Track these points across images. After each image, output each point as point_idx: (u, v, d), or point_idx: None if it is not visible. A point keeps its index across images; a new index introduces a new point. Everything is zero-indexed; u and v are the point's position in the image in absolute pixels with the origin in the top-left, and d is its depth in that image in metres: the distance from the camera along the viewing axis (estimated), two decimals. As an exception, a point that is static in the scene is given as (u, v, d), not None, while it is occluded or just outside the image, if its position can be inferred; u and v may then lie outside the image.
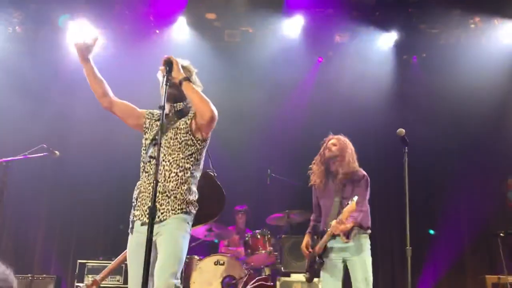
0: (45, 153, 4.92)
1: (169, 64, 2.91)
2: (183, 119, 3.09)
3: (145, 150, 3.06)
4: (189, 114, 3.11)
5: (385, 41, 7.58)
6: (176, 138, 3.02)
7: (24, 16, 7.18)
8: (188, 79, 2.95)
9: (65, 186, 7.50)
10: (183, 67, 3.10)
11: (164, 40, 7.42)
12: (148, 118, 3.20)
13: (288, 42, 7.47)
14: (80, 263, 6.36)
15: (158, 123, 3.10)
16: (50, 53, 7.37)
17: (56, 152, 4.98)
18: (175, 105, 3.12)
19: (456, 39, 7.51)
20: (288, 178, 6.67)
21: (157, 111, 3.20)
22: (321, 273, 4.16)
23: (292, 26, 7.42)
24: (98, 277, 4.50)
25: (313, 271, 4.22)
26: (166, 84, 2.84)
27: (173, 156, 2.98)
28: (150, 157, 2.92)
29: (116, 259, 4.41)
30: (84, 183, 7.47)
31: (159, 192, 2.91)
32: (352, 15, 7.23)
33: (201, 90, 3.15)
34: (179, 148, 3.00)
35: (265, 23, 7.39)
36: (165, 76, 2.88)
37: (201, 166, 3.13)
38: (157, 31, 7.43)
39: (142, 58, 6.81)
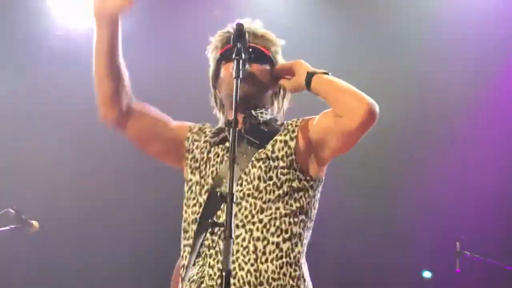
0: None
1: (240, 37, 1.60)
2: (277, 138, 1.73)
3: (195, 205, 1.73)
4: (288, 129, 1.74)
5: None
6: (271, 179, 1.68)
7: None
8: (321, 72, 1.70)
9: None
10: (257, 35, 1.78)
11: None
12: (196, 141, 1.81)
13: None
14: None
15: (219, 150, 1.76)
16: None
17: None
18: (254, 113, 1.76)
19: None
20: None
21: (209, 126, 1.86)
22: None
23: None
24: None
25: None
26: (237, 77, 1.52)
27: (268, 213, 1.66)
28: (214, 223, 1.52)
29: None
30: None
31: (246, 284, 1.61)
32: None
33: None
34: (278, 196, 1.67)
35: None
36: (236, 61, 1.55)
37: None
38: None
39: (189, 27, 4.20)
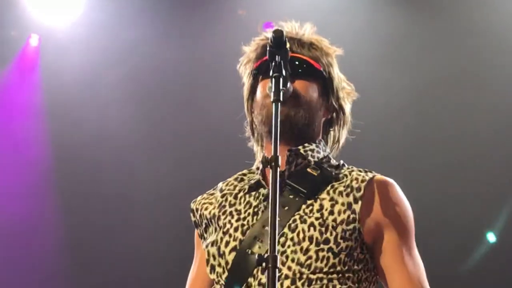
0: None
1: (279, 48, 1.23)
2: (338, 200, 1.32)
3: (214, 267, 1.34)
4: (351, 185, 1.33)
5: None
6: (327, 242, 1.29)
7: None
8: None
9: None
10: (304, 43, 1.39)
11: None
12: (206, 207, 1.42)
13: None
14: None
15: (252, 198, 1.37)
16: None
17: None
18: (303, 151, 1.36)
19: None
20: None
21: (220, 184, 1.45)
22: None
23: None
24: None
25: None
26: (275, 101, 1.19)
27: (317, 287, 1.27)
28: None
29: None
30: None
31: None
32: None
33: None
34: (333, 267, 1.28)
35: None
36: (275, 79, 1.22)
37: None
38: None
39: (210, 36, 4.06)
